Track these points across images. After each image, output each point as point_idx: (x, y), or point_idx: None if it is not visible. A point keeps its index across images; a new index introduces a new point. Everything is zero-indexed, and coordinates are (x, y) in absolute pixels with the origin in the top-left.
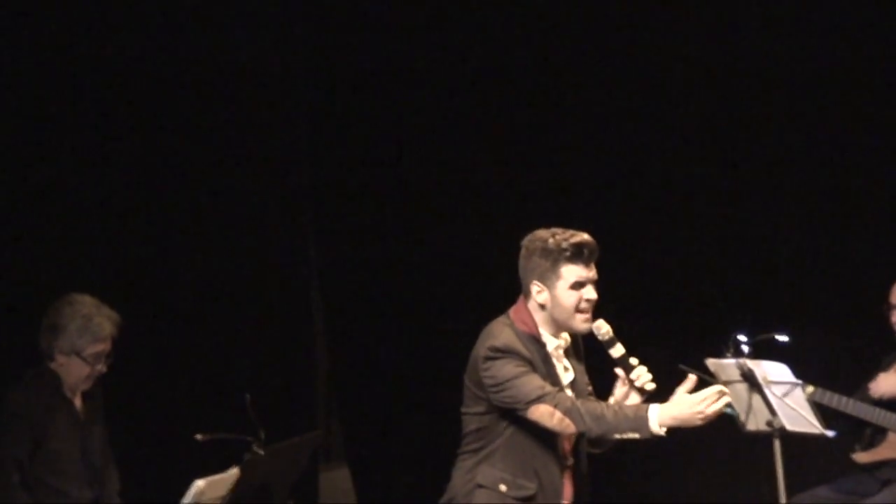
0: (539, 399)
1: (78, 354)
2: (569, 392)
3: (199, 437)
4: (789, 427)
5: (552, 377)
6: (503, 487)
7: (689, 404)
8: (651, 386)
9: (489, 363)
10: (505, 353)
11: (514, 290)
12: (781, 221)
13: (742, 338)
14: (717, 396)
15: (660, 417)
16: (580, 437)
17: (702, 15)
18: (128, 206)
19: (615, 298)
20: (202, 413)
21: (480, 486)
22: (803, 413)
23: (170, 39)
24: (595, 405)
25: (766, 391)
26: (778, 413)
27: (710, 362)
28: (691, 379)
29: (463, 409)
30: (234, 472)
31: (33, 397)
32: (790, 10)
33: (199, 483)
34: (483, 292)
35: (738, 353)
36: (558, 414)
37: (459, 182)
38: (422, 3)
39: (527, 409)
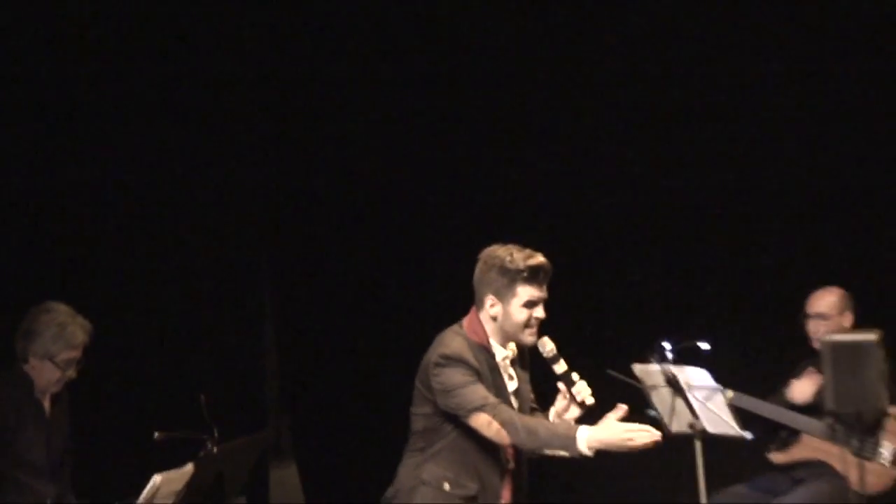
0: (480, 408)
1: (51, 360)
2: (513, 399)
3: (156, 435)
4: (710, 429)
5: (497, 385)
6: (446, 486)
7: (617, 432)
8: (591, 401)
9: (439, 369)
10: (454, 361)
11: (460, 298)
12: (703, 231)
13: (666, 345)
14: (647, 434)
15: (588, 440)
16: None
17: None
18: (86, 210)
19: (548, 308)
20: (158, 413)
21: (425, 483)
22: (723, 416)
23: (123, 61)
24: (531, 421)
25: (689, 395)
26: (699, 416)
27: (637, 368)
28: (622, 408)
29: (412, 410)
30: (188, 469)
31: (4, 396)
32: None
33: (157, 478)
34: (432, 299)
35: (662, 360)
36: (496, 424)
37: (413, 190)
38: (365, 22)
39: (468, 416)
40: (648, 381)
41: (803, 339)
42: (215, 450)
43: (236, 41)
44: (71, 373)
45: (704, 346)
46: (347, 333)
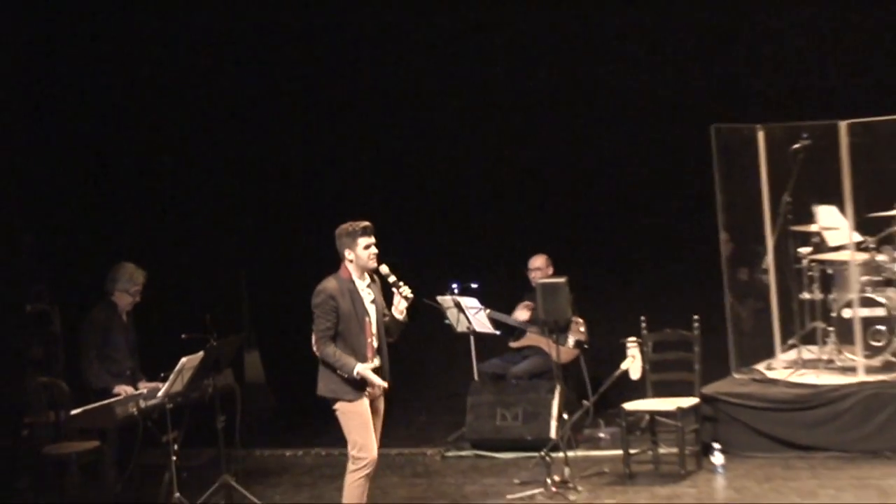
0: (319, 331)
1: (126, 292)
2: (372, 306)
3: (183, 336)
4: (477, 329)
5: (356, 303)
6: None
7: (373, 376)
8: (410, 295)
9: (314, 300)
10: (319, 294)
11: (332, 260)
12: (476, 207)
13: (454, 285)
14: (381, 384)
15: (360, 370)
16: (380, 328)
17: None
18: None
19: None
20: (184, 324)
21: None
22: (485, 322)
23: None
24: (336, 352)
25: (466, 312)
26: (472, 323)
27: (439, 298)
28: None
29: (318, 332)
30: (200, 354)
31: (103, 316)
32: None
33: (184, 360)
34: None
35: (451, 293)
36: (321, 341)
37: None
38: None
39: (316, 331)
40: (445, 305)
41: (527, 281)
42: (215, 344)
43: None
44: (137, 299)
45: (474, 285)
46: (289, 278)
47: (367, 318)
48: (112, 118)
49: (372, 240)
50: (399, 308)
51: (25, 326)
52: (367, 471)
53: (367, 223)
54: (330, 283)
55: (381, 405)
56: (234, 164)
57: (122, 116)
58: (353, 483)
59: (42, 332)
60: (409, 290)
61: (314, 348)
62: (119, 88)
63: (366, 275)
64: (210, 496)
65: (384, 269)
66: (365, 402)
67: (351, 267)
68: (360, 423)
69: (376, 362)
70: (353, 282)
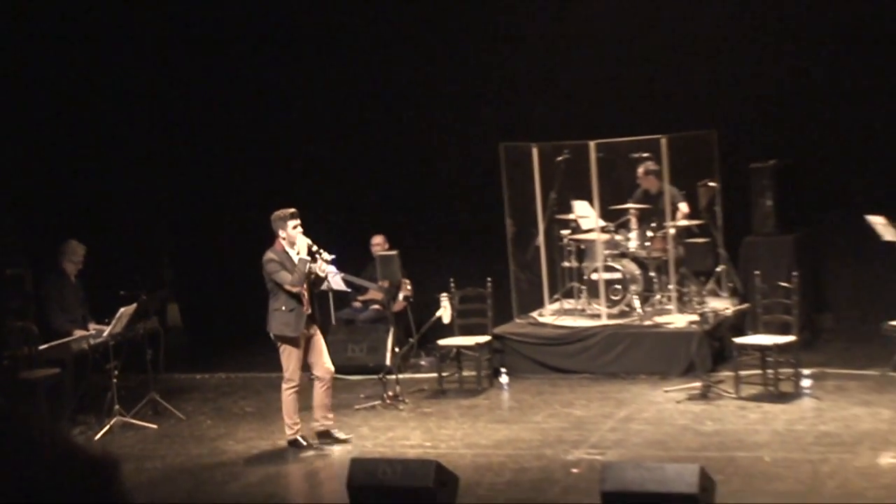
0: (285, 281)
1: (71, 262)
2: (300, 266)
3: (122, 292)
4: (335, 288)
5: (292, 265)
6: (284, 308)
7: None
8: (328, 257)
9: (267, 266)
10: (270, 261)
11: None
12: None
13: (331, 260)
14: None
15: (300, 259)
16: (311, 284)
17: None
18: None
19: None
20: (121, 281)
21: (277, 309)
22: (340, 283)
23: None
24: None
25: (330, 277)
26: (331, 283)
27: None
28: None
29: (267, 283)
30: (134, 306)
31: (56, 278)
32: None
33: (122, 310)
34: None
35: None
36: (288, 285)
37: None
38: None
39: (283, 285)
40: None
41: (370, 253)
42: (145, 298)
43: None
44: (80, 266)
45: (332, 256)
46: (197, 253)
47: None
48: (73, 119)
49: (297, 221)
50: (321, 268)
51: (5, 285)
52: (296, 389)
53: (293, 210)
54: (271, 254)
55: (317, 337)
56: (161, 161)
57: (80, 117)
58: (287, 398)
59: (18, 289)
60: (328, 255)
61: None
62: (80, 89)
63: (296, 247)
64: (141, 408)
65: (308, 241)
66: (300, 341)
67: (284, 242)
68: (294, 356)
69: (309, 311)
70: (285, 252)
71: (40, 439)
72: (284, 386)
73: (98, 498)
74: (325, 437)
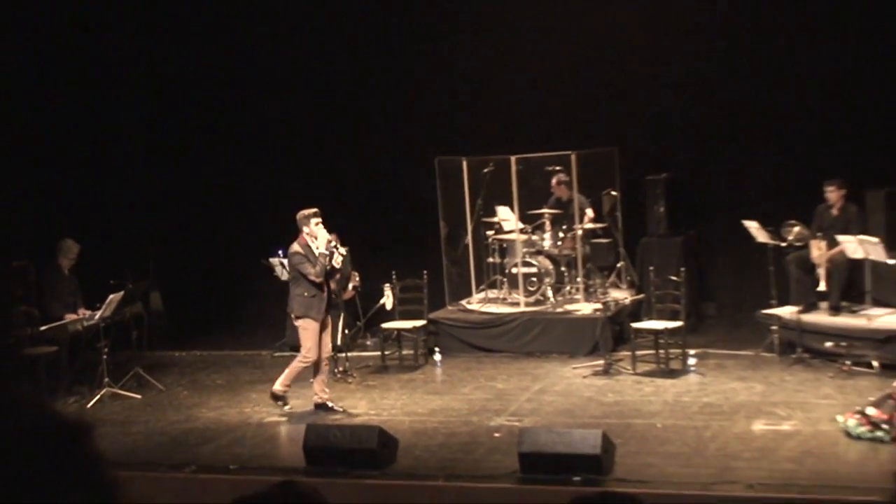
0: (309, 272)
1: (66, 258)
2: (323, 259)
3: (112, 281)
4: (284, 278)
5: (314, 258)
6: (306, 294)
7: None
8: (344, 251)
9: (292, 259)
10: (296, 254)
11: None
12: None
13: (280, 251)
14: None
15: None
16: (327, 274)
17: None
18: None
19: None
20: (111, 272)
21: (300, 294)
22: (286, 271)
23: None
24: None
25: (278, 268)
26: (278, 273)
27: (271, 260)
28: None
29: (292, 272)
30: (121, 293)
31: (54, 271)
32: None
33: (111, 297)
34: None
35: (277, 256)
36: (312, 276)
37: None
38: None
39: (307, 274)
40: (273, 264)
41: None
42: (131, 286)
43: None
44: (74, 261)
45: (281, 252)
46: (177, 247)
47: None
48: (68, 126)
49: (319, 219)
50: (337, 260)
51: (12, 275)
52: (307, 364)
53: (315, 209)
54: (297, 247)
55: (329, 322)
56: (146, 166)
57: (75, 124)
58: (295, 367)
59: (22, 279)
60: (344, 249)
61: (310, 279)
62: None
63: (315, 240)
64: (127, 380)
65: (329, 236)
66: (316, 323)
67: (308, 237)
68: (312, 335)
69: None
70: (308, 246)
71: (11, 404)
72: (299, 358)
73: (71, 460)
74: (322, 408)
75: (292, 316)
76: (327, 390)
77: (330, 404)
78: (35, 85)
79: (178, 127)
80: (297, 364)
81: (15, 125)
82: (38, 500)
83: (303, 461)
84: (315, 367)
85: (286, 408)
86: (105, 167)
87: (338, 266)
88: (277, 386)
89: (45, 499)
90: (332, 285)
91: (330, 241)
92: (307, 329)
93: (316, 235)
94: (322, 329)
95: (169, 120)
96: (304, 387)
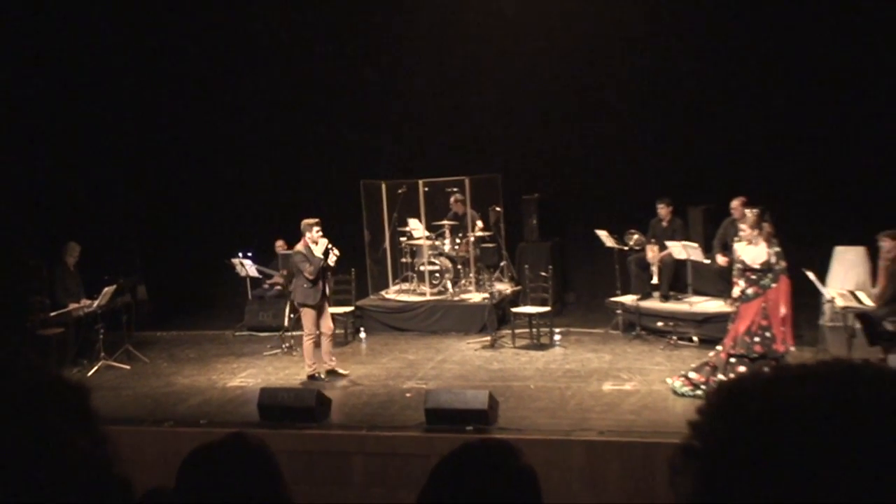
0: (307, 269)
1: (70, 257)
2: (318, 260)
3: (105, 277)
4: (251, 274)
5: (315, 258)
6: (306, 285)
7: (319, 259)
8: (337, 253)
9: (295, 257)
10: (298, 254)
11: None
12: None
13: (240, 252)
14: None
15: (315, 257)
16: (323, 271)
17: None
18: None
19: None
20: (106, 269)
21: (301, 286)
22: (255, 271)
23: None
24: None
25: (245, 266)
26: (248, 271)
27: (233, 260)
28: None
29: (294, 268)
30: (114, 287)
31: (60, 268)
32: None
33: (106, 289)
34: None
35: (238, 257)
36: (308, 272)
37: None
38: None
39: (304, 272)
40: (235, 263)
41: (275, 252)
42: (122, 281)
43: None
44: (76, 260)
45: (249, 252)
46: (161, 248)
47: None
48: (68, 136)
49: (319, 228)
50: (331, 260)
51: (28, 271)
52: (313, 340)
53: (317, 219)
54: (300, 248)
55: (325, 306)
56: (134, 177)
57: (73, 132)
58: (307, 346)
59: (36, 274)
60: (337, 251)
61: (307, 275)
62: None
63: (317, 246)
64: (118, 355)
65: (326, 242)
66: (312, 310)
67: (309, 241)
68: (310, 317)
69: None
70: (309, 248)
71: (27, 367)
72: (305, 338)
73: (74, 413)
74: (332, 374)
75: (295, 303)
76: (333, 359)
77: (338, 370)
78: (32, 101)
79: (155, 158)
80: (306, 344)
81: (19, 137)
82: (46, 443)
83: (257, 417)
84: (324, 342)
85: (342, 379)
86: (101, 183)
87: (333, 266)
88: (307, 369)
89: (54, 440)
90: (329, 283)
91: (327, 245)
92: (306, 313)
93: (316, 241)
94: (319, 314)
95: (147, 155)
96: (258, 358)
